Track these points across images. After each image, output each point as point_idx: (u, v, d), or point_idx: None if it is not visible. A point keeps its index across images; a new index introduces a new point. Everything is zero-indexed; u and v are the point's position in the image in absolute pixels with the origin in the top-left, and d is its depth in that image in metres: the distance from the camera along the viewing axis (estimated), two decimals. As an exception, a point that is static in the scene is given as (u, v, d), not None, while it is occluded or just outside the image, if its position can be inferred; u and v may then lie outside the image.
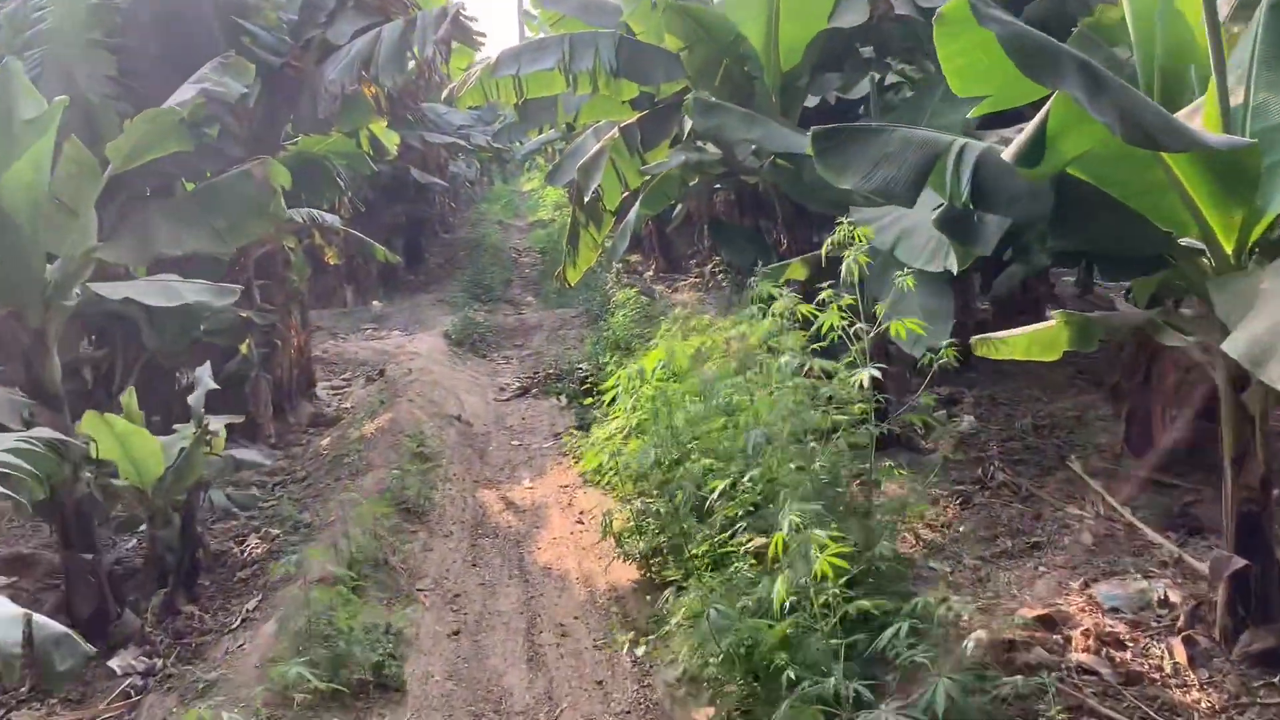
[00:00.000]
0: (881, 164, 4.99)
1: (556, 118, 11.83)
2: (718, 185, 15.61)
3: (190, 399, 6.59)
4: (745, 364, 5.79)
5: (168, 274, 6.68)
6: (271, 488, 8.76)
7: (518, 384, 12.26)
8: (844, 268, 5.25)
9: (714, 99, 7.85)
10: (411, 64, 9.29)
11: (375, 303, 16.40)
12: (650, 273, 19.92)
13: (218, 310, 8.91)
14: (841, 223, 5.59)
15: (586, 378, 11.21)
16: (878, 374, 5.01)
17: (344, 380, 12.36)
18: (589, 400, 10.60)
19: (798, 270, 8.03)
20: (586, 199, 9.02)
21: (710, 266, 18.01)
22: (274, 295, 10.31)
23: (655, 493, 6.76)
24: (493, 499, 8.31)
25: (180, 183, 9.59)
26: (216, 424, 7.20)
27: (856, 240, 5.39)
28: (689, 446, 6.15)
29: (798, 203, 8.93)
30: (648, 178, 10.56)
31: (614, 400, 7.52)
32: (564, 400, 11.10)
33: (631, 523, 6.49)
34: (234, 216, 6.24)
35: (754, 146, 9.80)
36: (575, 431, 9.73)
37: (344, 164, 11.18)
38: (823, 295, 5.45)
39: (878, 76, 9.42)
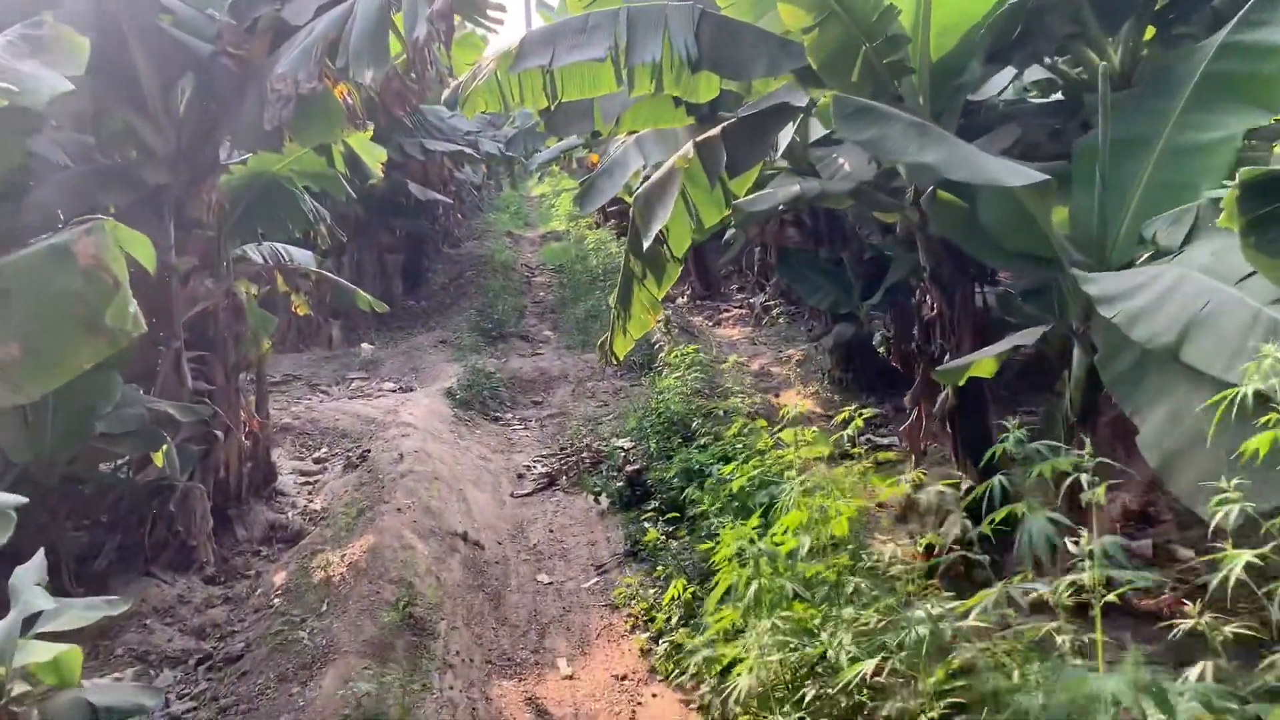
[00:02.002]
0: None
1: (593, 125, 9.03)
2: (782, 207, 12.88)
3: (1, 626, 3.85)
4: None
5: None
6: (195, 665, 6.05)
7: (541, 468, 9.50)
8: None
9: (862, 100, 5.11)
10: (401, 57, 6.58)
11: (365, 345, 13.64)
12: (684, 299, 17.18)
13: (120, 406, 6.22)
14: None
15: (635, 469, 8.43)
16: None
17: (317, 462, 9.62)
18: (642, 510, 7.86)
19: (986, 367, 5.29)
20: (646, 245, 6.27)
21: (763, 299, 15.29)
22: (214, 370, 7.59)
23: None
24: (514, 702, 5.55)
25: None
26: (78, 618, 4.50)
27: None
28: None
29: (963, 253, 6.20)
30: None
31: (724, 595, 4.74)
32: (604, 502, 8.32)
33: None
34: (34, 335, 3.47)
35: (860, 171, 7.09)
36: (629, 570, 6.99)
37: (309, 186, 8.47)
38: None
39: (1065, 69, 6.65)
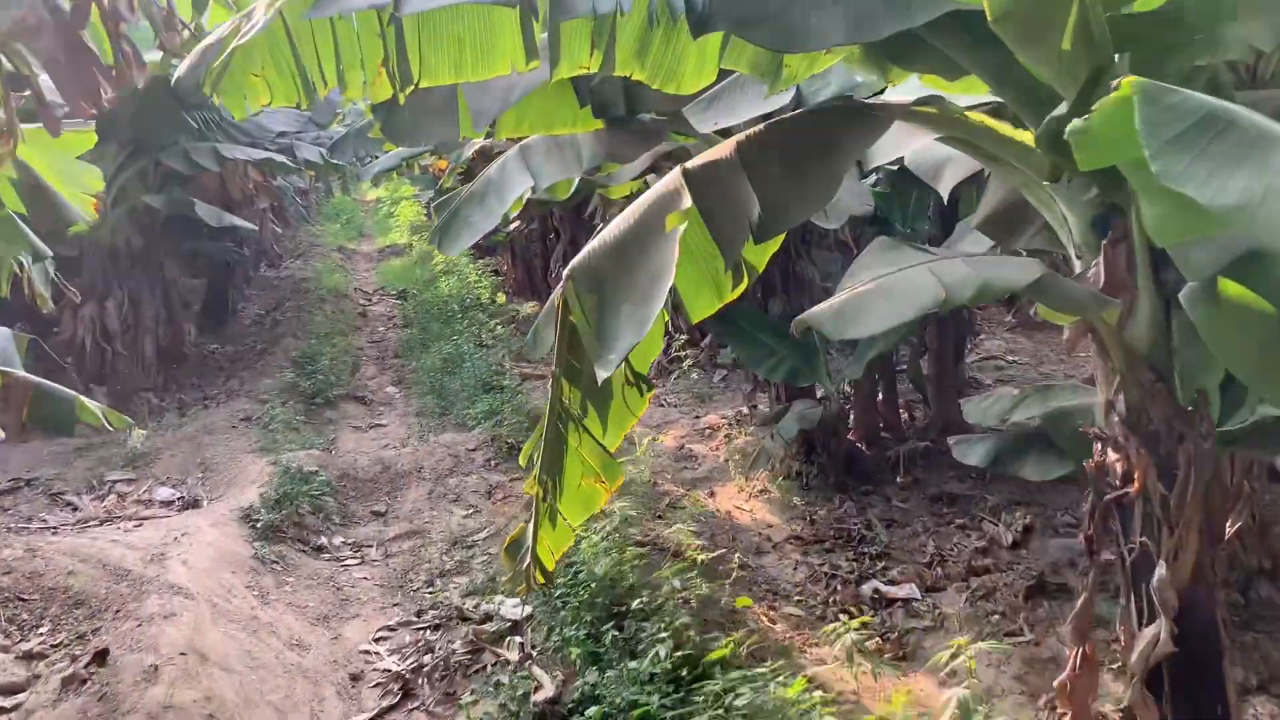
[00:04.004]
0: None
1: (457, 131, 5.77)
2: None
3: None
4: None
5: None
6: None
7: (389, 658, 6.17)
8: None
9: (1211, 100, 2.17)
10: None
11: (135, 431, 9.82)
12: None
13: None
14: None
15: (550, 698, 5.22)
16: None
17: (28, 660, 5.98)
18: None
19: None
20: (609, 373, 3.11)
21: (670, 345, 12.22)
22: None
23: None
24: None
25: None
26: None
27: None
28: None
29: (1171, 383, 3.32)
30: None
31: None
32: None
33: None
34: None
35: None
36: None
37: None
38: None
39: None
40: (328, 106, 15.26)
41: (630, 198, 9.43)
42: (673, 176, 3.32)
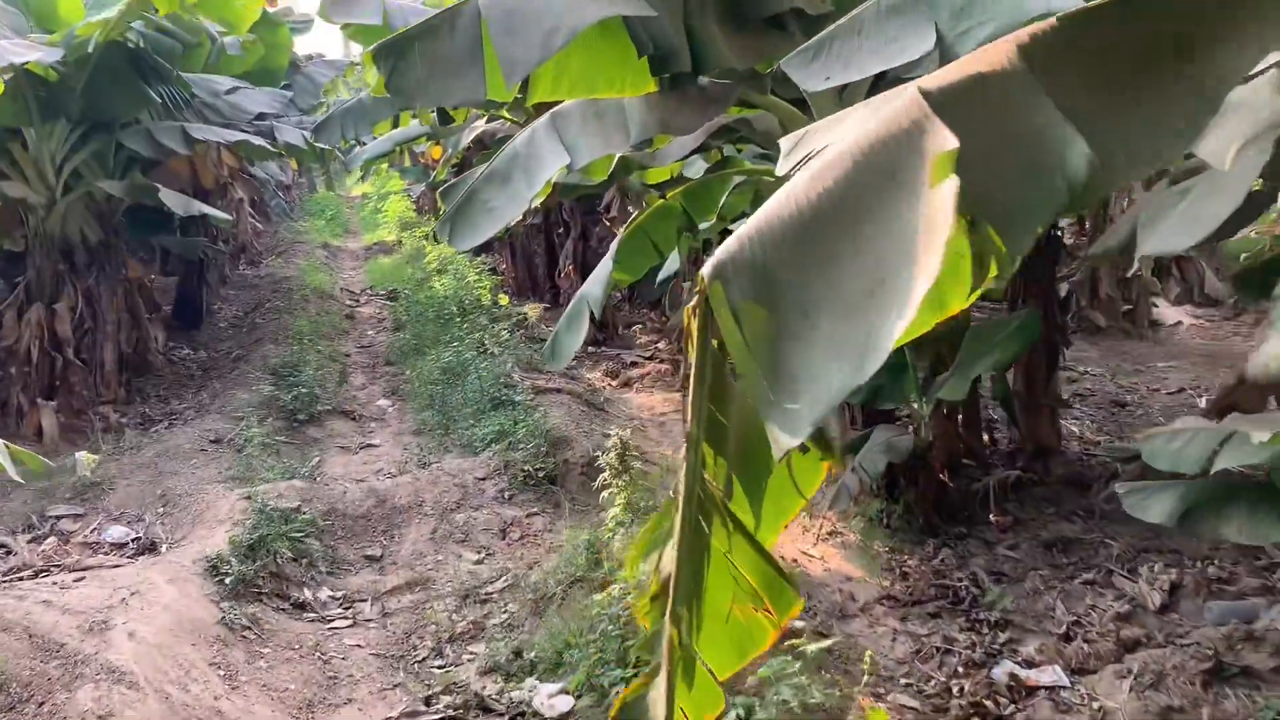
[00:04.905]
0: None
1: (483, 91, 4.41)
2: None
3: None
4: None
5: None
6: None
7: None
8: None
9: None
10: None
11: (80, 455, 8.30)
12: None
13: None
14: None
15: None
16: None
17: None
18: None
19: None
20: (787, 436, 1.76)
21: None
22: None
23: None
24: None
25: None
26: None
27: None
28: None
29: None
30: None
31: None
32: None
33: None
34: None
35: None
36: None
37: None
38: None
39: None
40: (312, 89, 13.88)
41: (670, 182, 8.05)
42: (903, 105, 1.94)
